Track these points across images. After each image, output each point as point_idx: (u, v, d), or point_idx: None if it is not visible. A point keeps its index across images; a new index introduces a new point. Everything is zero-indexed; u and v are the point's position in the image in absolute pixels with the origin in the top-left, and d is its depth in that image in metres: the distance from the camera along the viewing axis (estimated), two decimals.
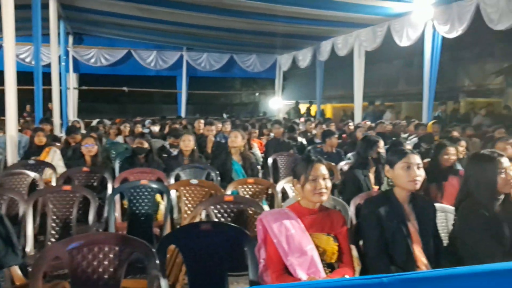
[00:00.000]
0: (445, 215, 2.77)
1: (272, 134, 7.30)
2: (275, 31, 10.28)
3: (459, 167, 4.20)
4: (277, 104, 16.42)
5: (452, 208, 2.79)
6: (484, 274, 1.33)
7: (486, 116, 11.04)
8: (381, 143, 3.95)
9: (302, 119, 12.67)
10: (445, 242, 2.45)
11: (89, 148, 4.43)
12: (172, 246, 2.36)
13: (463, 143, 4.84)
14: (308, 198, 2.17)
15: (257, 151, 6.07)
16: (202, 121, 7.31)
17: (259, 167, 5.25)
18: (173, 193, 3.68)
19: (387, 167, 2.32)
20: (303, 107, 16.62)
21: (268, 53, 14.86)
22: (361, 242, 2.39)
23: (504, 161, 2.26)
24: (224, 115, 16.55)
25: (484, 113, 11.27)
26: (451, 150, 3.93)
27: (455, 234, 2.37)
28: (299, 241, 2.07)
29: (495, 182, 2.22)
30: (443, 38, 8.32)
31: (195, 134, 6.85)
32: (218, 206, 3.01)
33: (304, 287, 1.26)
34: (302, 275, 2.00)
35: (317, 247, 2.10)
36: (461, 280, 1.32)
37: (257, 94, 23.81)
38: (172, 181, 4.16)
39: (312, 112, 15.66)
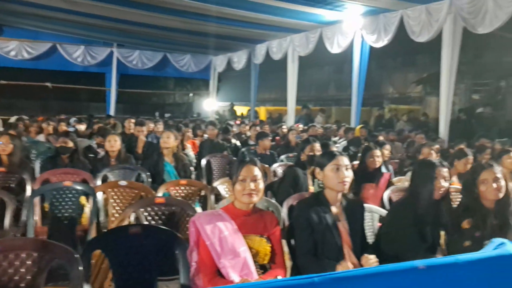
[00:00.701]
0: (371, 215, 2.89)
1: (206, 135, 7.22)
2: (209, 31, 10.21)
3: (384, 170, 4.43)
4: (211, 105, 16.33)
5: (378, 208, 2.93)
6: (407, 270, 1.39)
7: (408, 122, 11.81)
8: (317, 145, 4.06)
9: (238, 121, 12.71)
10: (371, 241, 2.56)
11: (2, 146, 4.08)
12: (98, 251, 2.23)
13: (388, 146, 5.12)
14: (238, 199, 2.16)
15: (191, 152, 5.98)
16: (133, 120, 7.05)
17: (192, 168, 5.16)
18: (99, 195, 3.48)
19: (317, 169, 2.37)
20: (238, 109, 16.69)
21: (203, 54, 14.73)
22: (293, 242, 2.41)
23: (443, 171, 2.42)
24: (157, 115, 16.10)
25: (406, 119, 12.06)
26: (377, 153, 4.14)
27: (383, 229, 2.51)
28: (232, 243, 2.04)
29: (431, 186, 2.40)
30: (371, 47, 8.77)
31: (125, 134, 6.60)
32: (149, 209, 2.90)
33: None
34: (235, 277, 1.98)
35: (250, 248, 2.09)
36: (388, 277, 1.37)
37: (191, 94, 23.47)
38: (98, 182, 3.95)
39: (245, 114, 15.79)
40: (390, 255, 2.31)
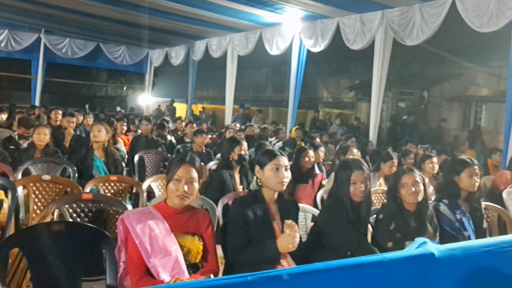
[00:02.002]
0: (304, 214, 2.95)
1: (139, 131, 6.98)
2: (145, 23, 9.88)
3: (318, 171, 4.55)
4: (146, 100, 15.85)
5: (312, 208, 3.00)
6: (338, 268, 1.42)
7: (340, 126, 12.28)
8: (244, 144, 4.06)
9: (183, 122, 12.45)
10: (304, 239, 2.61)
11: None
12: (16, 250, 2.05)
13: (322, 148, 5.27)
14: (170, 198, 2.10)
15: (123, 147, 5.74)
16: (60, 111, 6.64)
17: (123, 164, 4.96)
18: (19, 190, 3.22)
19: (257, 168, 2.37)
20: (177, 106, 16.34)
21: (139, 46, 14.19)
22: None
23: (361, 173, 2.49)
24: (87, 107, 15.29)
25: (339, 122, 12.52)
26: (311, 153, 4.24)
27: (317, 226, 2.56)
28: (163, 242, 1.97)
29: (348, 189, 2.47)
30: (308, 51, 9.00)
31: (51, 125, 6.19)
32: (74, 205, 2.73)
33: None
34: (165, 277, 1.91)
35: (182, 247, 2.03)
36: (321, 275, 1.39)
37: (124, 88, 22.60)
38: (19, 176, 3.66)
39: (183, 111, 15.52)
40: (323, 254, 2.37)
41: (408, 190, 2.59)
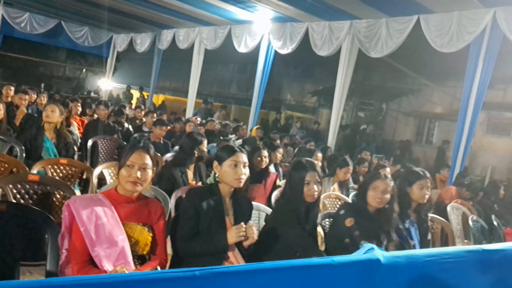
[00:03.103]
0: (258, 213, 2.95)
1: (96, 116, 6.75)
2: (111, 6, 9.57)
3: (273, 171, 4.57)
4: (105, 85, 15.36)
5: (265, 207, 3.01)
6: (288, 268, 1.42)
7: (300, 129, 12.44)
8: (205, 142, 4.02)
9: (133, 106, 12.14)
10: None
11: None
12: None
13: (281, 150, 5.30)
14: (122, 185, 2.02)
15: (76, 131, 5.52)
16: (12, 87, 6.29)
17: (75, 148, 4.77)
18: None
19: (215, 163, 2.34)
20: (135, 94, 15.96)
21: (103, 29, 13.74)
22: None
23: (315, 175, 2.51)
24: (42, 87, 14.59)
25: (299, 126, 12.68)
26: (265, 153, 4.25)
27: (267, 226, 2.57)
28: (110, 231, 1.90)
29: (301, 189, 2.48)
30: (276, 53, 9.05)
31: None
32: (19, 186, 2.60)
33: (107, 280, 1.13)
34: (109, 267, 1.84)
35: (130, 237, 1.97)
36: (268, 274, 1.38)
37: (84, 70, 21.78)
38: None
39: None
40: (274, 252, 2.37)
41: (377, 194, 2.68)
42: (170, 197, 2.97)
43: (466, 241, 3.94)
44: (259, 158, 4.20)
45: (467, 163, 6.64)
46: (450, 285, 1.80)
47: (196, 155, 3.89)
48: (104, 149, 5.11)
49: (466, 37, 6.17)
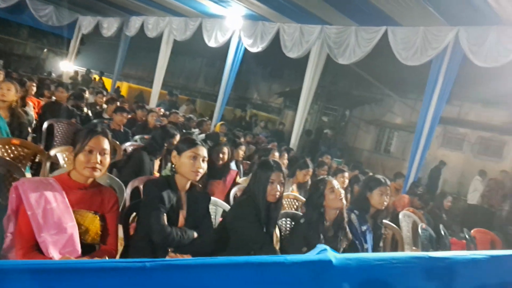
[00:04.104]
0: (215, 208, 2.93)
1: (54, 98, 6.49)
2: None
3: (234, 168, 4.56)
4: (67, 67, 14.80)
5: (223, 203, 2.99)
6: (241, 264, 1.41)
7: (264, 129, 12.50)
8: (177, 137, 3.98)
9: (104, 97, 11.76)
10: None
11: None
12: None
13: (243, 147, 5.30)
14: (78, 170, 1.95)
15: (32, 111, 5.29)
16: None
17: (30, 129, 4.56)
18: None
19: (174, 153, 2.30)
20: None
21: (69, 10, 13.23)
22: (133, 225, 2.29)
23: (280, 175, 2.52)
24: (1, 64, 13.88)
25: (263, 125, 12.74)
26: (224, 150, 4.23)
27: (224, 222, 2.55)
28: (59, 217, 1.82)
29: (265, 188, 2.49)
30: (246, 50, 9.03)
31: None
32: None
33: (52, 266, 1.08)
34: (55, 254, 1.77)
35: (80, 225, 1.90)
36: (220, 269, 1.37)
37: (45, 50, 20.88)
38: None
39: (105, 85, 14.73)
40: (229, 249, 2.36)
41: (336, 195, 2.70)
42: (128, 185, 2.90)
43: (414, 248, 4.09)
44: (219, 155, 4.19)
45: (421, 174, 6.87)
46: None
47: (166, 147, 3.87)
48: (60, 132, 4.92)
49: (429, 52, 6.39)
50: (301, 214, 2.95)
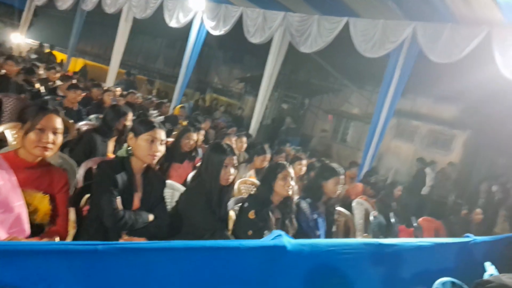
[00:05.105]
0: (172, 192, 2.89)
1: (3, 71, 6.12)
2: None
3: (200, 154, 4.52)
4: (17, 39, 13.98)
5: (180, 186, 2.96)
6: (196, 249, 1.41)
7: (224, 113, 12.44)
8: (130, 115, 3.87)
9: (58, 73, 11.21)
10: None
11: None
12: None
13: (203, 132, 5.25)
14: (28, 149, 1.86)
15: None
16: None
17: None
18: None
19: (131, 135, 2.24)
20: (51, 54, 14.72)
21: None
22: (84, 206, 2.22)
23: (233, 159, 2.51)
24: None
25: (223, 110, 12.67)
26: (193, 136, 4.20)
27: (178, 207, 2.52)
28: (6, 196, 1.73)
29: (218, 171, 2.46)
30: (208, 33, 8.88)
31: None
32: None
33: None
34: (2, 234, 1.69)
35: (29, 205, 1.82)
36: (174, 252, 1.36)
37: None
38: None
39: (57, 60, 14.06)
40: (182, 234, 2.35)
41: (287, 183, 2.72)
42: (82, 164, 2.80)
43: (365, 234, 4.24)
44: (186, 140, 4.14)
45: (374, 163, 7.10)
46: (349, 273, 1.92)
47: (117, 127, 3.73)
48: (8, 108, 4.66)
49: (387, 45, 6.55)
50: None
